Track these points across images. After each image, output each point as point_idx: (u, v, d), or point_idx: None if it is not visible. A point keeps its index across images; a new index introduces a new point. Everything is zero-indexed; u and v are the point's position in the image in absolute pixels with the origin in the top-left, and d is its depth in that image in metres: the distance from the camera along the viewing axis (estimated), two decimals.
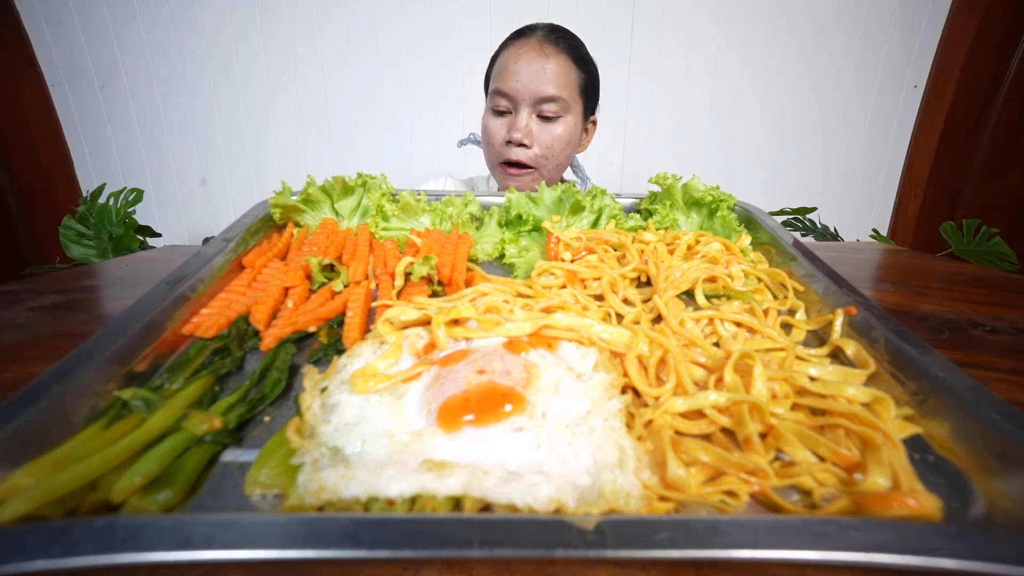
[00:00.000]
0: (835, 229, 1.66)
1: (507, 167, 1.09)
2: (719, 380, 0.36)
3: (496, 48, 1.13)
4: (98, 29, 1.92)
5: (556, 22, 1.12)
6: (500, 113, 1.08)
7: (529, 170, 1.08)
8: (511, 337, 0.40)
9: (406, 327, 0.43)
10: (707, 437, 0.33)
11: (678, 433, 0.33)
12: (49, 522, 0.25)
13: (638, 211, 0.78)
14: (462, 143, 1.27)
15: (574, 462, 0.28)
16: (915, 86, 2.02)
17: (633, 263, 0.57)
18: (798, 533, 0.23)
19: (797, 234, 1.64)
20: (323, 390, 0.35)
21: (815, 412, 0.35)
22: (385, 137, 2.04)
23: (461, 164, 2.00)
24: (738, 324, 0.46)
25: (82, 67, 1.96)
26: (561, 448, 0.29)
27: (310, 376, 0.35)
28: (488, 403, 0.31)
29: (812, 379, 0.39)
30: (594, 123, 1.20)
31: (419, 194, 0.71)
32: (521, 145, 1.06)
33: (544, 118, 1.06)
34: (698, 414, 0.34)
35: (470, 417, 0.30)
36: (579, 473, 0.27)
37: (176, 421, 0.32)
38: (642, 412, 0.33)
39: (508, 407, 0.30)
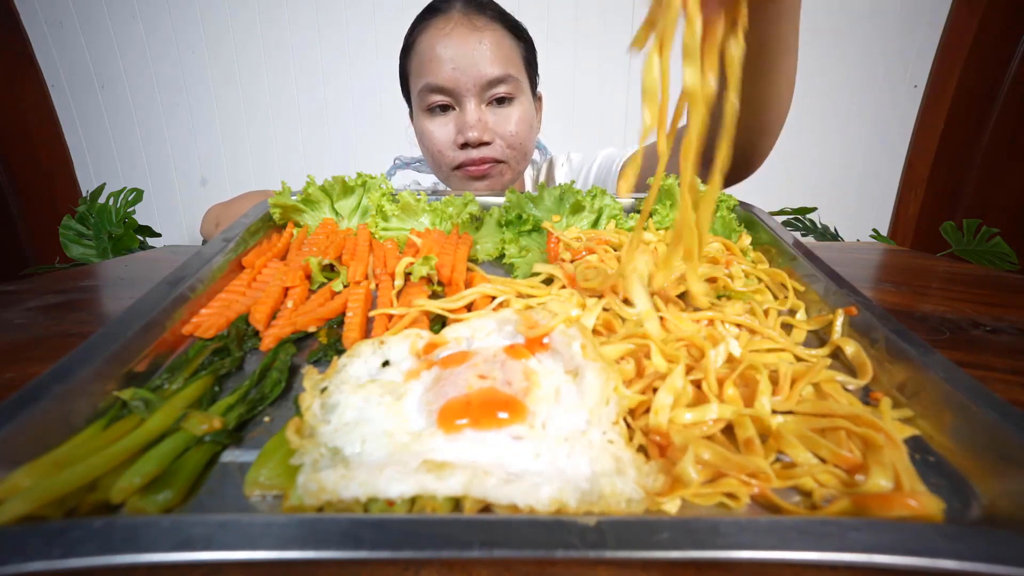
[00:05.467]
0: (835, 229, 1.66)
1: (467, 169, 0.90)
2: (721, 382, 0.36)
3: (406, 34, 0.91)
4: (98, 29, 1.92)
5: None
6: (438, 111, 0.88)
7: (495, 165, 0.90)
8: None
9: (407, 327, 0.43)
10: (707, 437, 0.33)
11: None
12: (48, 523, 0.25)
13: (638, 211, 0.78)
14: (390, 174, 1.08)
15: (572, 472, 0.28)
16: (915, 86, 2.02)
17: None
18: (799, 534, 0.23)
19: (797, 234, 1.64)
20: (323, 390, 0.35)
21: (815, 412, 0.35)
22: (385, 137, 2.04)
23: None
24: (739, 325, 0.46)
25: (82, 67, 1.96)
26: (561, 460, 0.29)
27: (310, 376, 0.35)
28: (489, 409, 0.31)
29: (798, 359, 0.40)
30: (540, 98, 1.01)
31: (419, 194, 0.71)
32: (481, 144, 0.87)
33: (497, 102, 0.87)
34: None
35: (471, 421, 0.30)
36: (579, 479, 0.27)
37: (176, 421, 0.32)
38: (642, 420, 0.33)
39: (509, 415, 0.31)
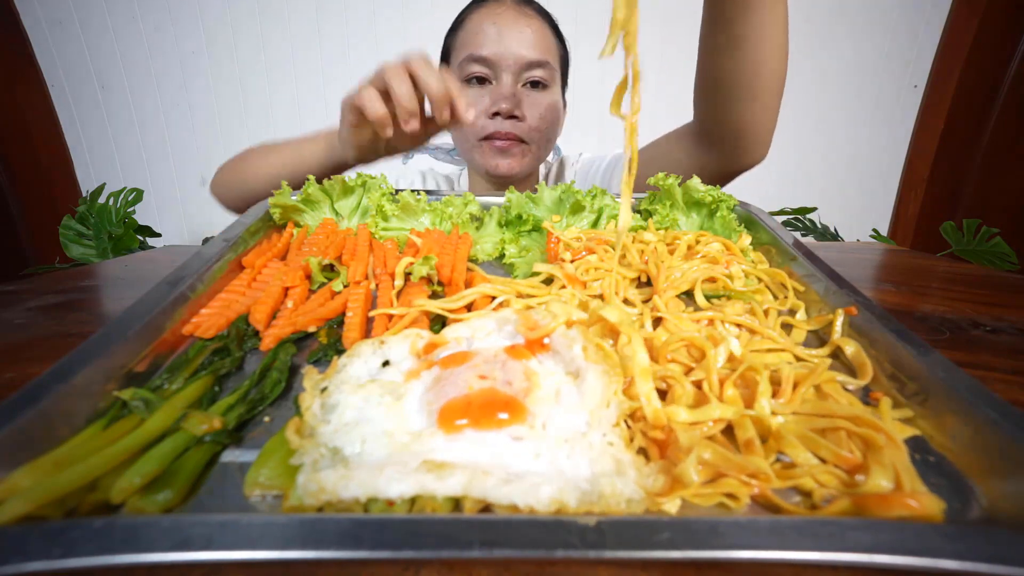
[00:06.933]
0: (835, 229, 1.66)
1: (493, 141, 0.93)
2: (722, 383, 0.36)
3: (458, 15, 0.98)
4: (98, 29, 1.92)
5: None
6: (475, 82, 0.92)
7: (519, 144, 0.94)
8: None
9: (407, 327, 0.43)
10: (707, 437, 0.33)
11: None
12: (48, 523, 0.25)
13: (638, 211, 0.78)
14: (406, 159, 1.14)
15: (572, 473, 0.28)
16: (915, 86, 2.02)
17: (633, 263, 0.57)
18: (798, 533, 0.23)
19: (797, 234, 1.64)
20: (323, 390, 0.35)
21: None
22: None
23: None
24: (739, 325, 0.46)
25: (82, 67, 1.96)
26: (561, 461, 0.29)
27: (310, 376, 0.35)
28: (489, 410, 0.31)
29: (798, 359, 0.40)
30: (565, 104, 1.05)
31: (419, 194, 0.70)
32: (511, 117, 0.91)
33: (532, 85, 0.92)
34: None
35: (471, 421, 0.30)
36: (579, 480, 0.28)
37: (176, 421, 0.32)
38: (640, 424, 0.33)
39: (509, 416, 0.31)
